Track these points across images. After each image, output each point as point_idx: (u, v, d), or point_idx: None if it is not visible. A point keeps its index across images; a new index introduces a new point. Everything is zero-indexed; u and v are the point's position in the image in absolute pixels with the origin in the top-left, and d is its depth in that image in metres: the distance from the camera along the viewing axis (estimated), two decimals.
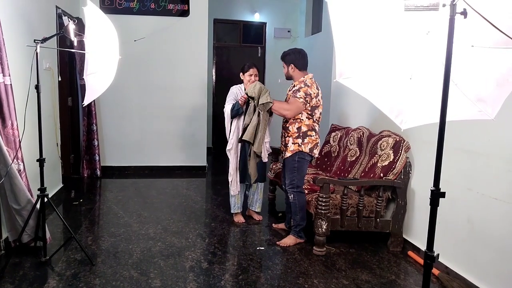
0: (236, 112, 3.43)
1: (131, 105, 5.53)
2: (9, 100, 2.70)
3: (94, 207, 4.10)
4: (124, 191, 4.67)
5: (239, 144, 3.47)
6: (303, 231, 3.24)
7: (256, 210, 3.79)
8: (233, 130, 3.52)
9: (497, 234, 2.33)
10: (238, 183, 3.59)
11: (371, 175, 3.21)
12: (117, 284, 2.49)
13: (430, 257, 1.50)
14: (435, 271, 2.68)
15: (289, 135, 3.15)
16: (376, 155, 3.29)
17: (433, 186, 1.47)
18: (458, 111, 1.56)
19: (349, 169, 3.58)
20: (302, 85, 3.05)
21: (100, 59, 2.70)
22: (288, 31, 7.32)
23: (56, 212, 2.82)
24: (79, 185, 4.92)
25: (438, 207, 1.49)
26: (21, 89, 2.93)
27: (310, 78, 3.10)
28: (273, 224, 3.65)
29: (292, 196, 3.16)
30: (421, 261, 2.90)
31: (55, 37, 3.59)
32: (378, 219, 3.11)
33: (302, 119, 3.08)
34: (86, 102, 2.83)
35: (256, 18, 7.27)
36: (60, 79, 4.40)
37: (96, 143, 5.23)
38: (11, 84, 2.72)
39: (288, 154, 3.15)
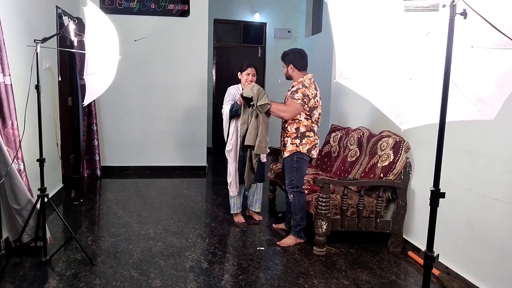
0: (235, 113, 3.43)
1: (131, 105, 5.54)
2: (9, 100, 2.71)
3: (94, 207, 4.10)
4: (124, 191, 4.67)
5: (238, 145, 3.46)
6: (303, 231, 3.24)
7: (256, 211, 3.79)
8: (232, 131, 3.52)
9: (497, 234, 2.33)
10: (238, 184, 3.59)
11: (371, 176, 3.22)
12: (117, 284, 2.50)
13: (430, 258, 1.50)
14: (435, 271, 2.68)
15: (287, 135, 3.15)
16: (376, 156, 3.29)
17: (433, 187, 1.48)
18: (458, 112, 1.56)
19: (349, 169, 3.59)
20: (300, 86, 3.06)
21: (100, 59, 2.70)
22: (288, 32, 7.32)
23: (56, 212, 2.82)
24: (79, 185, 4.92)
25: (438, 208, 1.49)
26: (21, 89, 2.94)
27: (309, 79, 3.10)
28: (273, 224, 3.65)
29: (291, 196, 3.16)
30: (421, 261, 2.90)
31: (55, 37, 3.59)
32: (378, 220, 3.11)
33: (301, 120, 3.08)
34: (86, 102, 2.83)
35: (256, 18, 7.27)
36: (60, 79, 4.41)
37: (96, 143, 5.24)
38: (11, 84, 2.73)
39: (286, 154, 3.16)
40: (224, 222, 3.69)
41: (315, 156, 3.21)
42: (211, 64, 6.98)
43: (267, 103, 3.05)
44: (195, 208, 4.08)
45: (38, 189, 2.67)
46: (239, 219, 3.70)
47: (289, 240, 3.21)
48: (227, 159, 3.62)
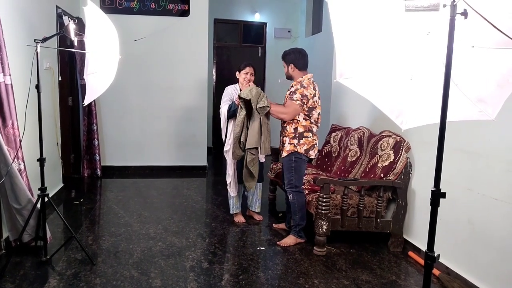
0: (233, 113, 3.42)
1: (132, 104, 5.54)
2: (9, 100, 2.71)
3: (95, 207, 4.10)
4: (125, 191, 4.67)
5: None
6: (303, 231, 3.24)
7: (256, 211, 3.79)
8: (230, 131, 3.52)
9: (498, 234, 2.33)
10: (237, 184, 3.59)
11: (372, 176, 3.21)
12: (118, 284, 2.50)
13: (430, 258, 1.50)
14: (435, 271, 2.68)
15: (286, 135, 3.15)
16: (376, 156, 3.29)
17: (434, 186, 1.47)
18: (458, 112, 1.56)
19: (350, 169, 3.58)
20: (298, 87, 3.06)
21: (100, 59, 2.70)
22: (289, 31, 7.32)
23: (57, 211, 2.82)
24: (79, 185, 4.92)
25: (438, 208, 1.49)
26: (21, 88, 2.93)
27: (308, 79, 3.10)
28: (273, 224, 3.65)
29: (291, 196, 3.16)
30: (421, 261, 2.90)
31: (56, 36, 3.59)
32: (378, 220, 3.11)
33: (299, 120, 3.08)
34: (86, 101, 2.83)
35: (257, 18, 7.27)
36: (60, 78, 4.41)
37: (96, 143, 5.24)
38: (11, 84, 2.73)
39: (284, 154, 3.16)
40: (225, 222, 3.69)
41: (313, 157, 3.20)
42: (211, 64, 6.98)
43: (267, 106, 3.05)
44: (195, 208, 4.08)
45: (39, 189, 2.67)
46: (239, 219, 3.70)
47: (289, 240, 3.21)
48: (225, 159, 3.62)
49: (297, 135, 3.10)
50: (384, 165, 3.15)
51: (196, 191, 4.75)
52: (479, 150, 2.47)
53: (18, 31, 3.19)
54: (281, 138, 3.24)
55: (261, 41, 7.36)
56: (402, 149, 3.09)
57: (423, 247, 2.96)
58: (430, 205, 1.49)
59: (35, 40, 2.55)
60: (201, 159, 5.81)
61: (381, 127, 3.49)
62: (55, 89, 4.24)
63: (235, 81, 3.65)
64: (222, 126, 3.58)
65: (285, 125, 3.17)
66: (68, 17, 4.43)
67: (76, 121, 5.19)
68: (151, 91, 5.54)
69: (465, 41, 1.43)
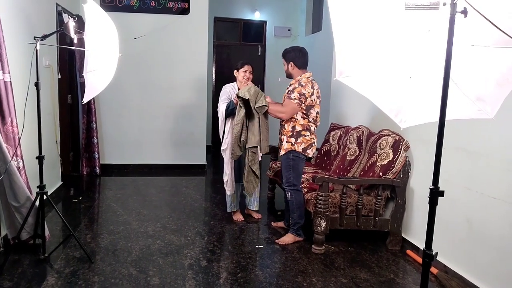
0: (231, 112, 3.42)
1: (131, 103, 5.53)
2: (8, 97, 2.70)
3: (93, 205, 4.10)
4: (123, 189, 4.67)
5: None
6: (301, 229, 3.24)
7: (254, 209, 3.79)
8: (227, 129, 3.52)
9: (496, 233, 2.33)
10: (234, 182, 3.59)
11: (371, 174, 3.22)
12: (116, 282, 2.50)
13: (428, 256, 1.51)
14: (433, 270, 2.69)
15: (284, 133, 3.16)
16: (375, 154, 3.29)
17: (432, 185, 1.48)
18: (457, 110, 1.56)
19: (349, 168, 3.59)
20: (297, 85, 3.06)
21: (100, 57, 2.69)
22: (289, 30, 7.31)
23: (55, 209, 2.82)
24: (78, 183, 4.92)
25: (437, 206, 1.49)
26: (20, 86, 2.93)
27: (307, 77, 3.10)
28: (272, 223, 3.65)
29: (289, 194, 3.17)
30: (419, 260, 2.90)
31: (55, 34, 3.58)
32: (377, 218, 3.12)
33: (297, 119, 3.09)
34: (85, 99, 2.83)
35: (257, 16, 7.26)
36: (59, 76, 4.40)
37: (95, 141, 5.23)
38: (10, 81, 2.72)
39: (282, 152, 3.17)
40: (223, 220, 3.69)
41: (311, 155, 3.20)
42: (211, 62, 6.97)
43: (265, 105, 3.05)
44: (194, 206, 4.08)
45: (37, 187, 2.66)
46: (238, 217, 3.70)
47: (288, 238, 3.22)
48: (223, 158, 3.62)
49: (294, 134, 3.10)
50: (383, 163, 3.15)
51: (195, 190, 4.75)
52: (478, 149, 2.47)
53: (18, 29, 3.19)
54: (280, 136, 3.24)
55: (261, 40, 7.35)
56: (401, 148, 3.09)
57: (421, 246, 2.95)
58: (429, 203, 1.49)
59: (34, 37, 2.55)
60: (200, 158, 5.81)
61: (380, 126, 3.49)
62: (54, 86, 4.23)
63: (235, 79, 3.64)
64: (219, 125, 3.58)
65: (283, 123, 3.17)
66: (68, 15, 4.42)
67: (75, 119, 5.18)
68: (150, 89, 5.53)
69: (464, 40, 1.42)
